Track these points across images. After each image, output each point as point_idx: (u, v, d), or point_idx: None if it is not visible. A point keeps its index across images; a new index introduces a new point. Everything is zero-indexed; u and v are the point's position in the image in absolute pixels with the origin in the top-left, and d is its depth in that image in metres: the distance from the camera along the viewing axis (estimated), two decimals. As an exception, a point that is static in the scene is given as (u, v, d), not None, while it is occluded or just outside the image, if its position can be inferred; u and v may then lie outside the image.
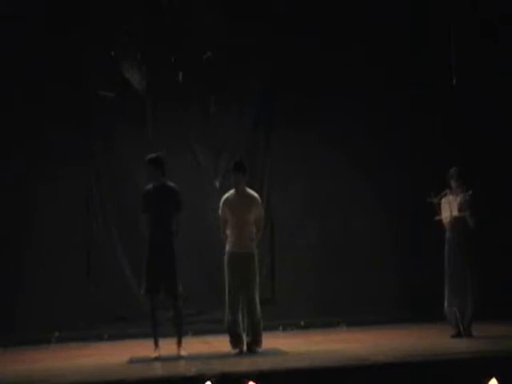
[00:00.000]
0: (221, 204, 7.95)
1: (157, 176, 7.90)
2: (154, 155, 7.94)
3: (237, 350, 7.70)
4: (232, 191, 7.96)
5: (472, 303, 8.34)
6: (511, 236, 10.83)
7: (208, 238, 10.41)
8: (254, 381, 5.73)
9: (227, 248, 7.86)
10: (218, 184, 10.96)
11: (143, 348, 8.29)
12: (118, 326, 10.59)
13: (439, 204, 8.56)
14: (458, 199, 8.48)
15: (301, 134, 11.19)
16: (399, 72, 11.18)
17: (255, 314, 7.73)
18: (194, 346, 8.66)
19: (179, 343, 7.77)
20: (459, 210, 8.44)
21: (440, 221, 8.57)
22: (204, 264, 10.62)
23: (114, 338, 10.34)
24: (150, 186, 7.99)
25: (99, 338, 10.40)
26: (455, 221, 8.47)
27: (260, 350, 7.73)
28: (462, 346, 7.82)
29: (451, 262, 8.48)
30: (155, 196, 7.87)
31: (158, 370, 6.97)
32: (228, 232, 7.87)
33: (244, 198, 7.89)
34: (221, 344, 8.21)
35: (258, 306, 7.77)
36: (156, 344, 7.75)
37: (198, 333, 10.19)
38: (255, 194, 7.98)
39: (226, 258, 7.85)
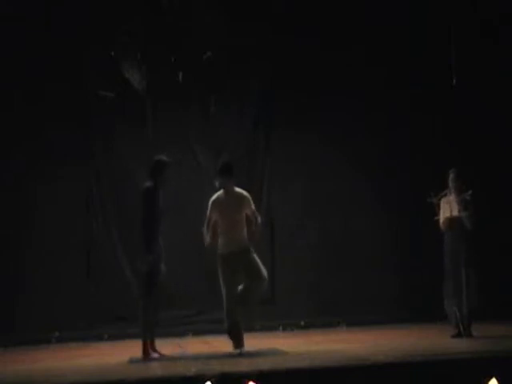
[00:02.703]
0: (210, 204, 7.87)
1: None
2: (158, 157, 7.92)
3: (238, 351, 7.68)
4: (221, 192, 7.92)
5: (470, 303, 8.33)
6: (511, 236, 10.84)
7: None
8: (253, 381, 5.73)
9: (220, 249, 7.75)
10: (217, 184, 10.92)
11: (143, 348, 8.27)
12: (118, 326, 10.57)
13: (439, 204, 8.57)
14: (458, 199, 8.48)
15: (301, 134, 11.19)
16: (399, 72, 11.18)
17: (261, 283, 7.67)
18: (194, 346, 8.67)
19: (152, 344, 7.77)
20: (459, 210, 8.45)
21: (440, 221, 8.58)
22: (204, 264, 10.60)
23: (114, 338, 10.32)
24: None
25: (99, 338, 10.39)
26: (455, 221, 8.47)
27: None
28: (461, 346, 7.82)
29: (451, 262, 8.48)
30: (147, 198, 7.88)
31: (158, 369, 6.96)
32: (219, 232, 7.78)
33: (234, 197, 7.84)
34: (221, 344, 8.20)
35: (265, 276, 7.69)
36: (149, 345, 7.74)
37: (197, 333, 10.21)
38: (244, 193, 7.91)
39: (219, 259, 7.73)
